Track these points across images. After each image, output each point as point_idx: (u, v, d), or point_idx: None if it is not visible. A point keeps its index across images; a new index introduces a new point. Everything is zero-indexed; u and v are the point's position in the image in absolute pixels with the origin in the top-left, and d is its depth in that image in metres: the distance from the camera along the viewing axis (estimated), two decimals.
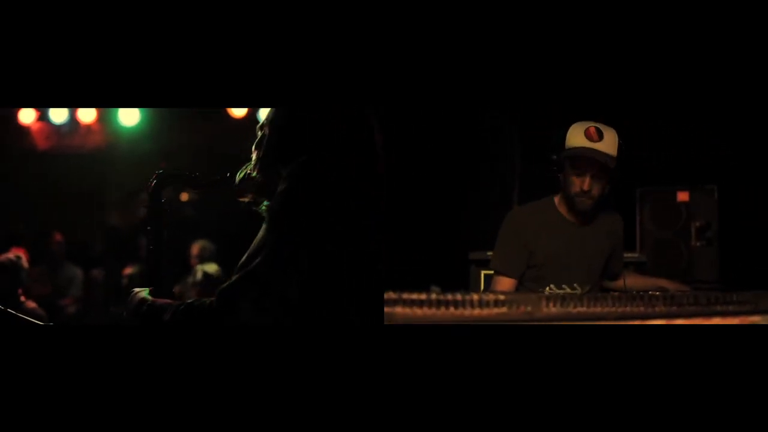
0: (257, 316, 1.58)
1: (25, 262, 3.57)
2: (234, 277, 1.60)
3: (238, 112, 5.39)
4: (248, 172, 1.76)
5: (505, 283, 2.60)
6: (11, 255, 3.85)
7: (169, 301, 1.79)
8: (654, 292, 1.82)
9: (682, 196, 3.92)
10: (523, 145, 4.55)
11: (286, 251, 1.57)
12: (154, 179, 1.93)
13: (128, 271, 5.79)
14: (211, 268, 5.18)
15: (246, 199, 1.77)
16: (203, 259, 5.46)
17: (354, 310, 1.62)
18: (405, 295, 1.52)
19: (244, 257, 1.63)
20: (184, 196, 6.28)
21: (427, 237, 4.34)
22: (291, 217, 1.58)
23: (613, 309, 1.69)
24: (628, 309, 1.71)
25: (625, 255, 3.06)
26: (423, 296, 1.53)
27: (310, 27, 2.05)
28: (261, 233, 1.64)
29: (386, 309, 1.51)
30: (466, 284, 3.53)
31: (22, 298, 3.32)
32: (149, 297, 1.83)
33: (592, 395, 1.75)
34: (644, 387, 1.75)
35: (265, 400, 1.77)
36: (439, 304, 1.54)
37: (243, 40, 2.09)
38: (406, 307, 1.51)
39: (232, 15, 2.08)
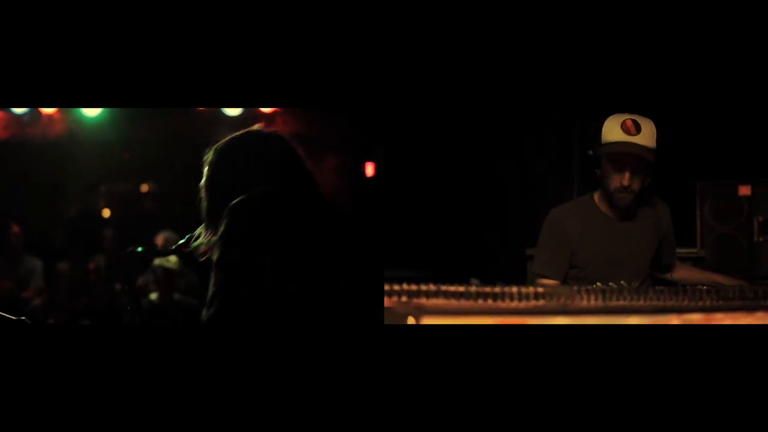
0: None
1: None
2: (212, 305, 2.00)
3: None
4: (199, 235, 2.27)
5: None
6: None
7: None
8: (700, 286, 2.12)
9: (744, 190, 4.27)
10: (582, 140, 4.94)
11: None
12: (121, 261, 2.48)
13: (93, 265, 6.27)
14: (171, 261, 5.67)
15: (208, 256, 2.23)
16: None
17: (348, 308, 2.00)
18: (444, 287, 1.82)
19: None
20: (144, 187, 6.82)
21: (485, 232, 4.80)
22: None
23: (655, 303, 1.99)
24: (670, 303, 2.00)
25: (685, 251, 3.36)
26: (462, 288, 1.83)
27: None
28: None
29: (425, 300, 1.80)
30: (523, 279, 3.90)
31: None
32: None
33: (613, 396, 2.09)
34: (678, 386, 2.09)
35: (262, 400, 2.13)
36: (477, 296, 1.84)
37: (252, 40, 2.43)
38: (445, 299, 1.81)
39: (230, 16, 2.42)
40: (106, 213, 7.07)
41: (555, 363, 2.11)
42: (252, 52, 2.40)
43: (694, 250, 4.30)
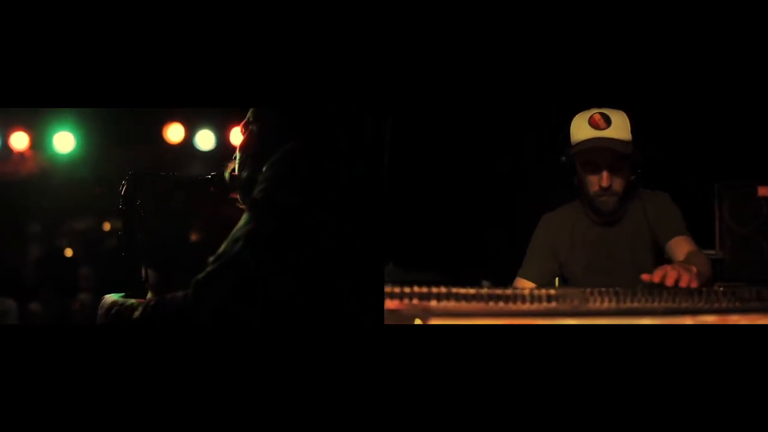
0: (238, 309, 1.77)
1: None
2: (210, 266, 1.79)
3: (175, 138, 6.09)
4: (234, 169, 2.07)
5: (523, 286, 2.76)
6: None
7: (140, 300, 2.00)
8: (717, 287, 2.08)
9: (763, 191, 4.26)
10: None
11: (268, 239, 1.78)
12: (126, 181, 2.16)
13: (77, 305, 6.25)
14: None
15: (236, 196, 2.06)
16: None
17: (347, 308, 1.86)
18: (455, 290, 1.80)
19: (221, 248, 1.82)
20: (107, 225, 6.84)
21: (495, 235, 4.81)
22: (273, 204, 1.82)
23: (669, 304, 1.95)
24: (685, 305, 1.96)
25: (704, 252, 3.30)
26: (472, 290, 1.81)
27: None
28: (240, 223, 1.85)
29: (436, 303, 1.79)
30: None
31: None
32: (120, 299, 2.05)
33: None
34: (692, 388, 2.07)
35: (260, 402, 2.11)
36: (489, 298, 1.82)
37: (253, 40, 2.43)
38: (456, 302, 1.79)
39: (231, 15, 2.43)
40: (68, 252, 7.07)
41: (558, 364, 2.09)
42: (251, 51, 2.39)
43: (713, 252, 4.27)
